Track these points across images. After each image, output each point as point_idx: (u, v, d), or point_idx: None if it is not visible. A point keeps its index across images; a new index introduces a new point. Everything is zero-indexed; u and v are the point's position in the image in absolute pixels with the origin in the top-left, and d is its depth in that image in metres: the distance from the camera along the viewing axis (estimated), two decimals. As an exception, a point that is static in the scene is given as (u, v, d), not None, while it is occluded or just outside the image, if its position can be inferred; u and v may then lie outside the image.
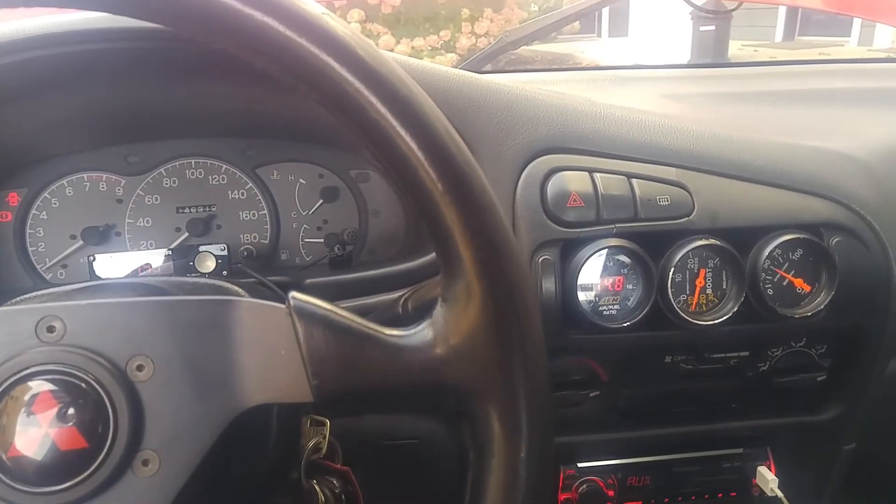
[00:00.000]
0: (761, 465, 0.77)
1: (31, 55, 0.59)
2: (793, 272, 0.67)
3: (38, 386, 0.36)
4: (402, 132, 0.37)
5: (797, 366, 0.73)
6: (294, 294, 0.39)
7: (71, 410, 0.36)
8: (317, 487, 0.63)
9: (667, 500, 0.78)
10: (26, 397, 0.36)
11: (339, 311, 0.39)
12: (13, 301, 0.52)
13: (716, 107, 0.94)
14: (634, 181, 0.65)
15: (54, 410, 0.36)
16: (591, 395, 0.70)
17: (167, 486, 0.38)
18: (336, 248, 0.77)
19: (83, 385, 0.36)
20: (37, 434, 0.36)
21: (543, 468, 0.40)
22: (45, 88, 0.65)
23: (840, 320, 0.69)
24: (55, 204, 0.76)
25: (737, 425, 0.75)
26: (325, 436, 0.65)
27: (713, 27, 3.81)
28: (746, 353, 0.72)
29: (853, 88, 1.02)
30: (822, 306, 0.66)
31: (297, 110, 0.72)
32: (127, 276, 0.74)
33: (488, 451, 0.39)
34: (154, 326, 0.38)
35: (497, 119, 0.65)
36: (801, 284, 0.67)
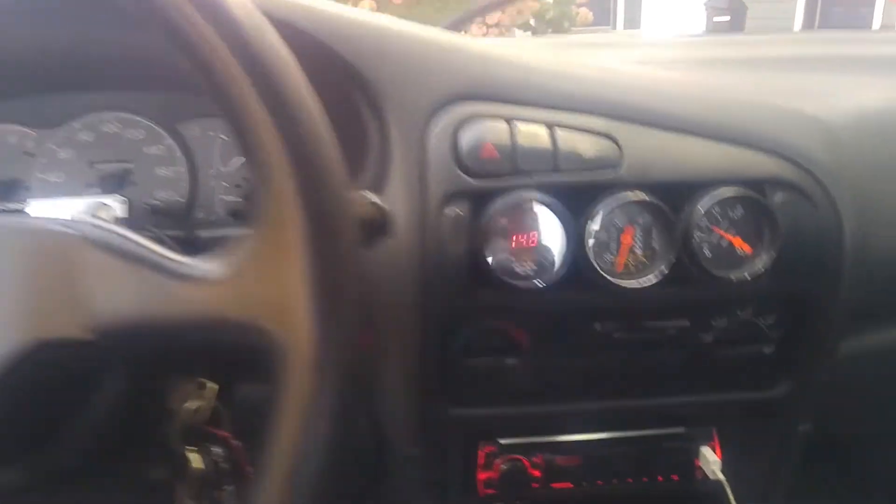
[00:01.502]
0: (705, 445, 0.71)
1: None
2: (732, 231, 0.61)
3: None
4: (210, 30, 0.33)
5: (743, 337, 0.67)
6: (77, 215, 0.35)
7: None
8: (191, 454, 0.59)
9: (600, 482, 0.72)
10: None
11: (125, 234, 0.35)
12: None
13: (686, 70, 0.88)
14: (557, 130, 0.60)
15: None
16: (509, 362, 0.65)
17: None
18: (242, 200, 0.73)
19: None
20: None
21: (334, 419, 0.35)
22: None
23: (786, 286, 0.63)
24: (-41, 157, 0.73)
25: (678, 401, 0.69)
26: (208, 399, 0.61)
27: (728, 17, 3.71)
28: (686, 323, 0.67)
29: (838, 54, 0.96)
30: (763, 268, 0.60)
31: None
32: None
33: (279, 396, 0.35)
34: None
35: (407, 64, 0.60)
36: (741, 245, 0.61)
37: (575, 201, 0.60)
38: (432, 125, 0.60)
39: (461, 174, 0.59)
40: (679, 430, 0.71)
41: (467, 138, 0.59)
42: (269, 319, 0.34)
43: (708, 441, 0.71)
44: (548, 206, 0.58)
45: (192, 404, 0.57)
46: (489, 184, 0.59)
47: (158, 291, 0.34)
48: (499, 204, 0.58)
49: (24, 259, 0.34)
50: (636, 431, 0.71)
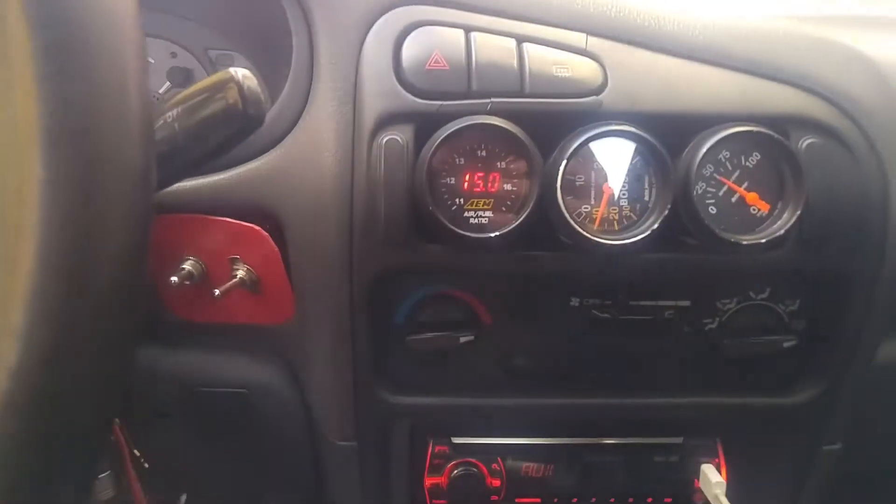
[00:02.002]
0: (706, 462, 0.57)
1: None
2: (745, 184, 0.48)
3: None
4: None
5: (757, 326, 0.53)
6: None
7: None
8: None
9: (574, 500, 0.58)
10: None
11: None
12: None
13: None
14: (526, 46, 0.48)
15: None
16: (462, 339, 0.52)
17: None
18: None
19: None
20: None
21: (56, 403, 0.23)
22: None
23: (814, 259, 0.50)
24: None
25: (674, 403, 0.55)
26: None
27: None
28: (686, 304, 0.53)
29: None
30: (783, 231, 0.46)
31: None
32: None
33: None
34: None
35: (340, -46, 0.48)
36: (755, 201, 0.48)
37: (546, 133, 0.47)
38: (370, 32, 0.48)
39: (402, 91, 0.47)
40: (676, 440, 0.57)
41: (412, 49, 0.47)
42: None
43: (711, 456, 0.57)
44: (511, 137, 0.46)
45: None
46: (436, 105, 0.47)
47: None
48: (447, 130, 0.45)
49: None
50: (622, 438, 0.57)
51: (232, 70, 0.34)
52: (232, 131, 0.34)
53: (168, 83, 0.63)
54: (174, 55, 0.64)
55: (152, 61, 0.64)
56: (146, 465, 0.55)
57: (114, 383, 0.27)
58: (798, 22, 0.71)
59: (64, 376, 0.24)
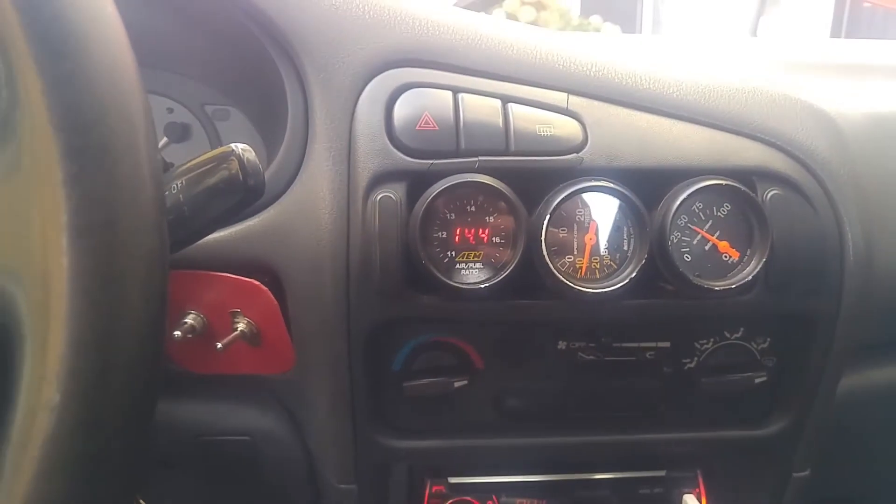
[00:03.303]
0: (688, 492, 0.60)
1: None
2: (717, 233, 0.51)
3: None
4: None
5: (732, 364, 0.56)
6: None
7: None
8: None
9: (566, 532, 0.61)
10: None
11: None
12: None
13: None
14: (511, 106, 0.51)
15: None
16: (456, 384, 0.54)
17: None
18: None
19: None
20: None
21: (96, 439, 0.25)
22: None
23: (780, 302, 0.53)
24: None
25: (657, 438, 0.58)
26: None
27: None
28: (667, 345, 0.56)
29: (859, 63, 0.86)
30: (751, 277, 0.50)
31: (142, 28, 0.60)
32: None
33: (9, 390, 0.25)
34: None
35: (334, 18, 0.51)
36: (727, 249, 0.51)
37: (530, 189, 0.50)
38: (363, 94, 0.51)
39: (394, 151, 0.49)
40: (659, 473, 0.60)
41: (404, 110, 0.50)
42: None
43: (692, 487, 0.60)
44: (498, 194, 0.49)
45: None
46: (427, 164, 0.49)
47: None
48: (438, 188, 0.48)
49: None
50: (608, 473, 0.60)
51: (232, 145, 0.36)
52: (234, 201, 0.37)
53: (165, 138, 0.65)
54: (171, 111, 0.66)
55: (148, 117, 0.66)
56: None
57: (142, 444, 0.28)
58: (771, 70, 0.76)
59: (96, 442, 0.26)
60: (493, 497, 0.59)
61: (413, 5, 0.54)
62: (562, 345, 0.56)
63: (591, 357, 0.56)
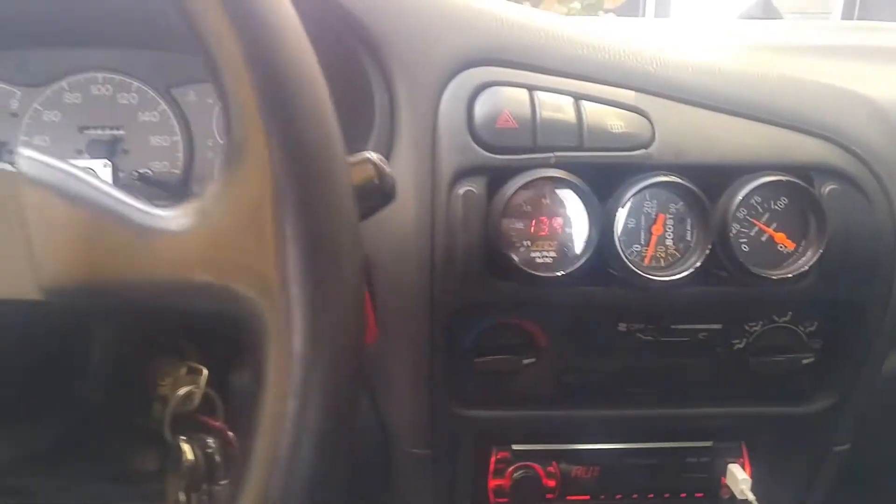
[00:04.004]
0: (733, 462, 0.65)
1: None
2: (774, 225, 0.55)
3: None
4: None
5: (780, 345, 0.60)
6: (24, 150, 0.29)
7: None
8: (184, 445, 0.54)
9: (619, 496, 0.66)
10: None
11: (80, 176, 0.29)
12: None
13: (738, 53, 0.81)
14: (583, 103, 0.54)
15: None
16: (524, 362, 0.59)
17: None
18: None
19: None
20: None
21: (335, 410, 0.29)
22: None
23: (832, 290, 0.57)
24: (-59, 116, 0.68)
25: (706, 412, 0.63)
26: (199, 385, 0.56)
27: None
28: (718, 326, 0.60)
29: (887, 45, 0.88)
30: (807, 267, 0.54)
31: None
32: None
33: (263, 378, 0.29)
34: None
35: (420, 19, 0.54)
36: (783, 240, 0.55)
37: (600, 183, 0.54)
38: (446, 92, 0.54)
39: (476, 147, 0.53)
40: (706, 443, 0.65)
41: (484, 107, 0.53)
42: (245, 283, 0.28)
43: (736, 457, 0.65)
44: (572, 187, 0.52)
45: (182, 390, 0.51)
46: (507, 160, 0.53)
47: (116, 244, 0.29)
48: (517, 183, 0.52)
49: None
50: (659, 443, 0.65)
51: (367, 153, 0.40)
52: (368, 206, 0.40)
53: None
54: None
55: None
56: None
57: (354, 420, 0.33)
58: (800, 54, 0.78)
59: (331, 419, 0.30)
60: (554, 463, 0.64)
61: (492, 4, 0.57)
62: (622, 326, 0.60)
63: (649, 338, 0.60)
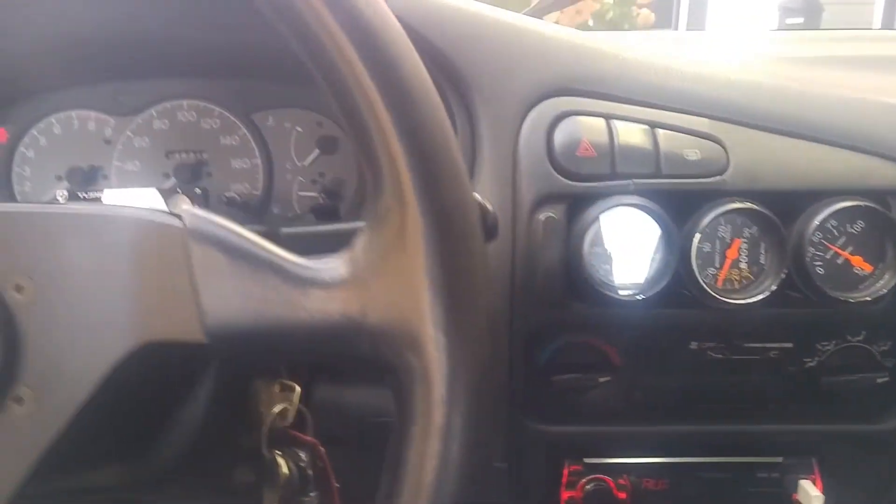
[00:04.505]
0: (804, 478, 0.65)
1: None
2: (850, 248, 0.56)
3: None
4: (326, 9, 0.30)
5: (852, 364, 0.61)
6: (189, 208, 0.32)
7: None
8: (279, 459, 0.57)
9: (687, 509, 0.67)
10: None
11: (240, 232, 0.32)
12: None
13: (784, 68, 0.82)
14: (658, 131, 0.56)
15: None
16: (600, 380, 0.61)
17: (42, 429, 0.32)
18: (321, 198, 0.70)
19: None
20: None
21: (479, 441, 0.32)
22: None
23: (907, 310, 0.58)
24: (42, 142, 0.72)
25: (777, 429, 0.64)
26: (293, 402, 0.59)
27: (801, 19, 3.57)
28: (790, 345, 0.61)
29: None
30: (886, 290, 0.54)
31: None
32: None
33: (410, 415, 0.31)
34: (34, 241, 0.33)
35: (501, 53, 0.56)
36: (859, 263, 0.56)
37: (677, 208, 0.55)
38: (526, 122, 0.56)
39: (556, 175, 0.55)
40: (776, 459, 0.66)
41: (563, 136, 0.55)
42: (393, 331, 0.31)
43: (808, 473, 0.66)
44: (650, 213, 0.54)
45: (277, 407, 0.54)
46: (586, 187, 0.55)
47: (275, 294, 0.31)
48: (597, 209, 0.54)
49: (128, 252, 0.32)
50: (729, 458, 0.66)
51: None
52: None
53: (317, 150, 0.72)
54: (320, 125, 0.72)
55: (301, 130, 0.73)
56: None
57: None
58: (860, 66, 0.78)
59: (475, 452, 0.32)
60: (625, 476, 0.66)
61: (569, 34, 0.59)
62: (693, 345, 0.61)
63: (719, 356, 0.62)
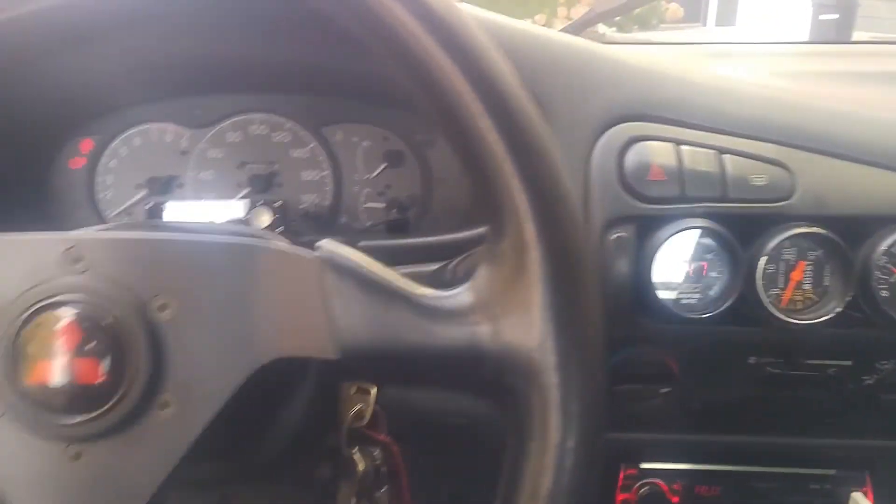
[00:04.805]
0: (857, 490, 0.68)
1: None
2: (913, 271, 0.57)
3: (63, 314, 0.35)
4: (451, 62, 0.33)
5: (910, 381, 0.63)
6: (323, 242, 0.35)
7: (93, 343, 0.35)
8: (356, 457, 0.60)
9: (740, 516, 0.70)
10: (50, 325, 0.35)
11: (370, 264, 0.35)
12: None
13: (835, 85, 0.83)
14: (726, 157, 0.58)
15: (76, 341, 0.35)
16: (661, 391, 0.63)
17: (184, 431, 0.36)
18: (394, 212, 0.73)
19: (106, 318, 0.35)
20: (58, 363, 0.35)
21: (590, 458, 0.35)
22: (108, 32, 0.64)
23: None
24: (123, 153, 0.76)
25: (831, 443, 0.66)
26: (369, 403, 0.62)
27: (836, 15, 3.50)
28: (849, 363, 0.63)
29: None
30: (949, 313, 0.56)
31: (366, 68, 0.69)
32: None
33: (528, 433, 0.34)
34: (179, 265, 0.36)
35: (574, 79, 0.59)
36: (923, 287, 0.58)
37: (743, 231, 0.57)
38: (597, 146, 0.58)
39: (626, 197, 0.57)
40: (829, 471, 0.68)
41: (634, 160, 0.57)
42: (512, 362, 0.33)
43: (860, 486, 0.68)
44: (717, 235, 0.56)
45: (355, 408, 0.58)
46: (656, 209, 0.57)
47: (404, 319, 0.35)
48: (666, 231, 0.56)
49: (265, 278, 0.36)
50: (782, 468, 0.68)
51: None
52: None
53: (385, 164, 0.75)
54: (387, 139, 0.75)
55: (368, 144, 0.75)
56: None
57: None
58: None
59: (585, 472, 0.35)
60: (678, 481, 0.69)
61: (639, 59, 0.61)
62: (752, 359, 0.64)
63: (777, 371, 0.64)
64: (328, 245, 0.35)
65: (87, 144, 0.76)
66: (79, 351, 0.34)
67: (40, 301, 0.35)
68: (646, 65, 0.61)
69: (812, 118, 0.60)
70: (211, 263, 0.36)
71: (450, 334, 0.34)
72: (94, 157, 0.76)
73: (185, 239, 0.37)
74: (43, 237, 0.37)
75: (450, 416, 0.69)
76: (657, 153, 0.57)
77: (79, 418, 0.34)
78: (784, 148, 0.58)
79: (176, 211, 0.74)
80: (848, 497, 0.67)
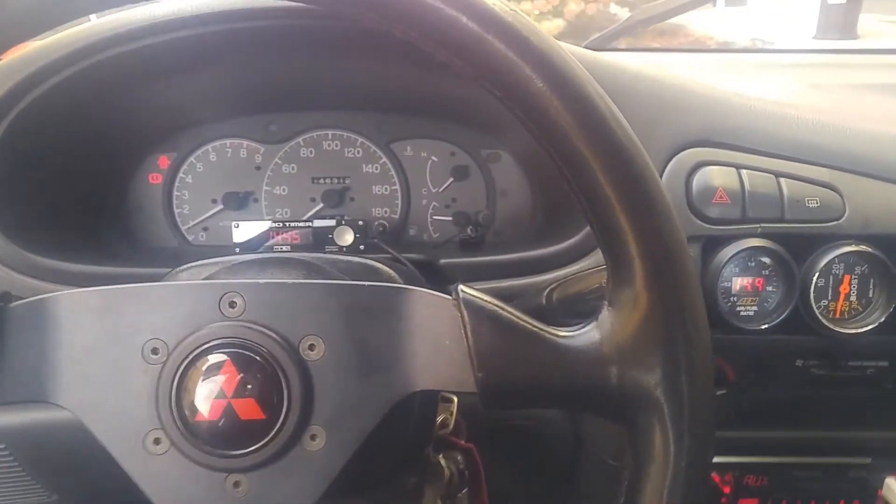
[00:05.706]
0: (890, 476, 0.74)
1: (184, 34, 0.62)
2: (952, 285, 0.63)
3: (222, 358, 0.38)
4: (579, 132, 0.37)
5: (941, 380, 0.70)
6: (462, 287, 0.40)
7: (250, 383, 0.38)
8: (443, 462, 0.66)
9: (784, 502, 0.76)
10: (211, 368, 0.38)
11: (505, 308, 0.40)
12: (182, 268, 0.56)
13: (873, 100, 0.88)
14: (783, 180, 0.63)
15: (236, 382, 0.38)
16: (717, 393, 0.69)
17: (332, 460, 0.39)
18: (469, 230, 0.78)
19: (261, 360, 0.38)
20: (220, 403, 0.38)
21: (702, 477, 0.40)
22: (197, 64, 0.68)
23: None
24: (200, 168, 0.80)
25: (866, 435, 0.73)
26: (452, 412, 0.67)
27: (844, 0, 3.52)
28: (885, 364, 0.70)
29: None
30: (980, 323, 0.62)
31: (433, 86, 0.73)
32: (267, 246, 0.77)
33: (647, 457, 0.39)
34: (327, 308, 0.40)
35: (645, 107, 0.63)
36: (959, 299, 0.64)
37: (797, 249, 0.63)
38: (665, 170, 0.63)
39: (693, 218, 0.62)
40: (865, 460, 0.75)
41: (700, 184, 0.63)
42: (640, 393, 0.38)
43: (894, 472, 0.75)
44: (774, 254, 0.62)
45: (441, 416, 0.63)
46: (719, 230, 0.62)
47: (531, 356, 0.39)
48: (730, 249, 0.62)
49: (407, 319, 0.40)
50: (822, 458, 0.75)
51: None
52: None
53: (451, 178, 0.80)
54: (453, 154, 0.80)
55: (436, 159, 0.80)
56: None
57: None
58: None
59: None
60: (729, 473, 0.75)
61: (703, 88, 0.66)
62: (799, 362, 0.70)
63: (822, 372, 0.70)
64: (466, 289, 0.40)
65: (164, 161, 0.80)
66: (239, 391, 0.38)
67: (202, 345, 0.38)
68: (708, 93, 0.66)
69: (858, 142, 0.65)
70: (356, 306, 0.40)
71: (582, 372, 0.39)
72: (172, 173, 0.80)
73: (333, 284, 0.41)
74: (201, 285, 0.41)
75: (519, 419, 0.75)
76: (720, 177, 0.63)
77: (239, 451, 0.38)
78: (836, 172, 0.64)
79: (247, 230, 0.75)
80: (882, 482, 0.74)
